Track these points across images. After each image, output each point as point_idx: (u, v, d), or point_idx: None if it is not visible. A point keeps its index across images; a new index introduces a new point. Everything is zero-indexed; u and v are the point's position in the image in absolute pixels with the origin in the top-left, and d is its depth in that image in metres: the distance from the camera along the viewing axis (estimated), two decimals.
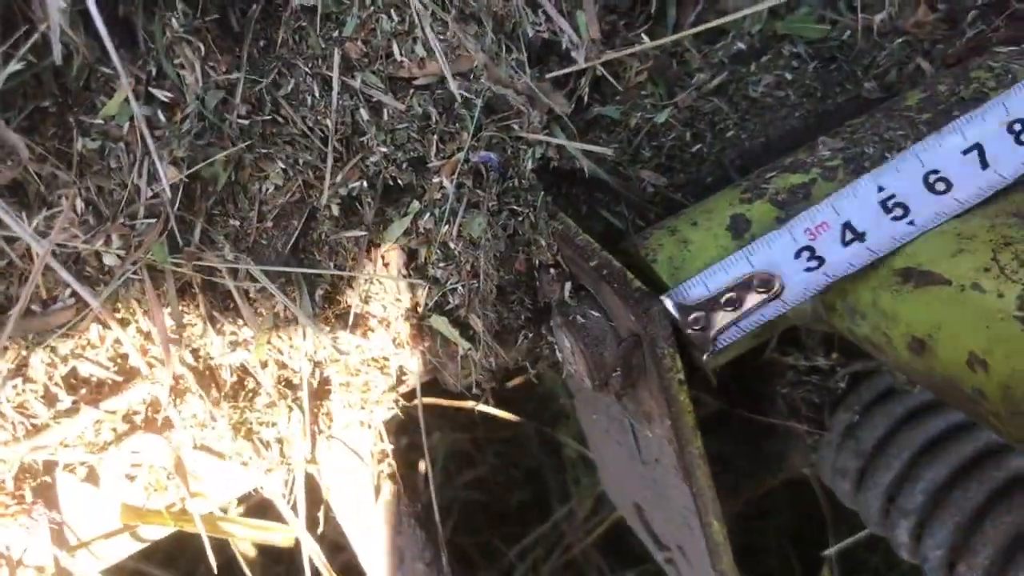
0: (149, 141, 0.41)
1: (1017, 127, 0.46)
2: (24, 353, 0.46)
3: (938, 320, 0.42)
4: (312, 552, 0.55)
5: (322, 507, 0.58)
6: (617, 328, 0.49)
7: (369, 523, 0.59)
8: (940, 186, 0.47)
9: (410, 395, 0.57)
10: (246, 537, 0.58)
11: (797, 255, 0.48)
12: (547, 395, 1.20)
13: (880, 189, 0.48)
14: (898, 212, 0.47)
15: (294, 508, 0.55)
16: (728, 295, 0.48)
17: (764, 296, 0.47)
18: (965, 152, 0.46)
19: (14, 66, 0.39)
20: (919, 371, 0.44)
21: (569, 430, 1.17)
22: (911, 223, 0.47)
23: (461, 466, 1.28)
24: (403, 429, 0.60)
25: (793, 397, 0.65)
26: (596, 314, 0.49)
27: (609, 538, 1.18)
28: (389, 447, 0.57)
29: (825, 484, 0.67)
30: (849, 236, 0.48)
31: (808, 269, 0.48)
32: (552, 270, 0.52)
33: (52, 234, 0.40)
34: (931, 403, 0.61)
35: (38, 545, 0.51)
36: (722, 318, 0.47)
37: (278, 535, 0.59)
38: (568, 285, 0.51)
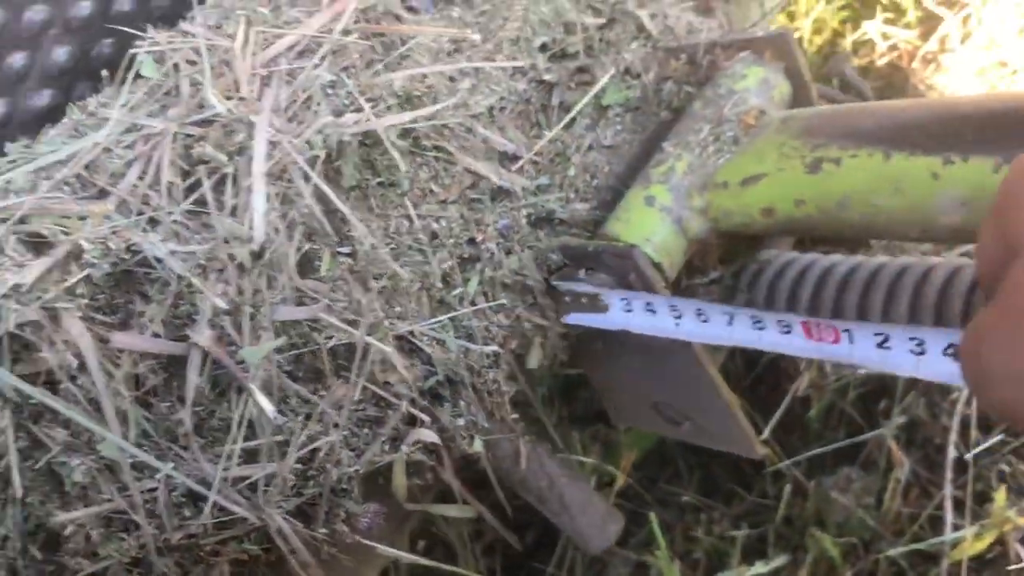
0: None
1: None
2: None
3: (770, 193, 0.82)
4: None
5: None
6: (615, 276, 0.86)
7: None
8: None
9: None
10: None
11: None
12: None
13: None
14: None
15: None
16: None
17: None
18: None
19: None
20: (776, 222, 0.83)
21: None
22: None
23: None
24: None
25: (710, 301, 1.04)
26: (604, 276, 0.86)
27: None
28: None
29: None
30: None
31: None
32: (564, 268, 0.89)
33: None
34: (784, 266, 1.01)
35: None
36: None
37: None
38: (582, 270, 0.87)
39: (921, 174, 0.72)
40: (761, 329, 0.71)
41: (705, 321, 0.75)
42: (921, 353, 0.60)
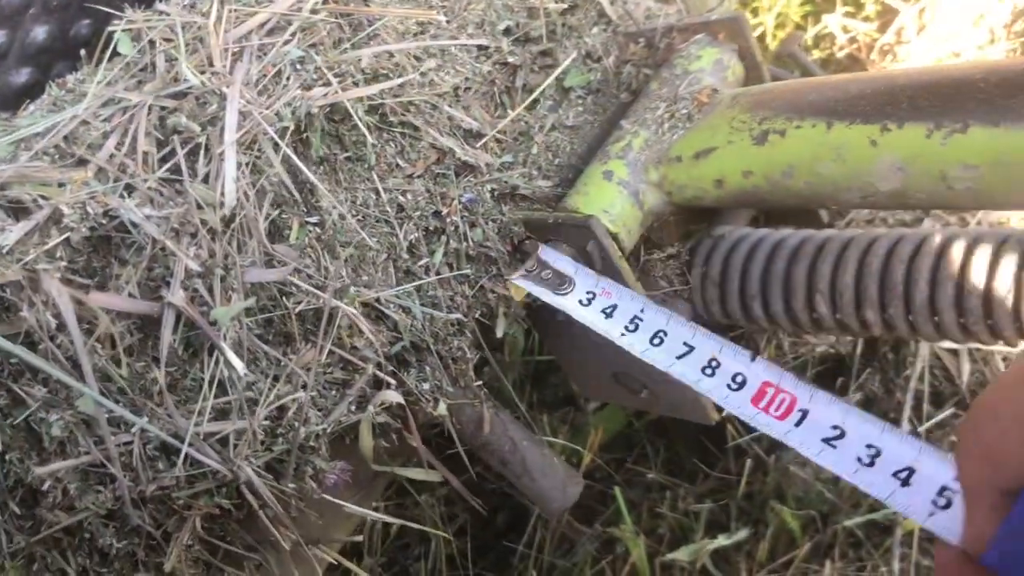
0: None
1: None
2: None
3: (720, 165, 0.87)
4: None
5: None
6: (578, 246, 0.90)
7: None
8: None
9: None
10: None
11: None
12: None
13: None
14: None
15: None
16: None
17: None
18: None
19: None
20: (727, 194, 0.88)
21: None
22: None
23: None
24: None
25: (667, 275, 1.08)
26: (565, 246, 0.90)
27: None
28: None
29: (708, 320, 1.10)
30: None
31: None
32: (527, 241, 0.93)
33: None
34: (738, 240, 1.06)
35: None
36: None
37: None
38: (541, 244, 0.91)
39: (861, 141, 0.76)
40: (710, 376, 0.69)
41: (657, 345, 0.75)
42: (870, 464, 0.56)
